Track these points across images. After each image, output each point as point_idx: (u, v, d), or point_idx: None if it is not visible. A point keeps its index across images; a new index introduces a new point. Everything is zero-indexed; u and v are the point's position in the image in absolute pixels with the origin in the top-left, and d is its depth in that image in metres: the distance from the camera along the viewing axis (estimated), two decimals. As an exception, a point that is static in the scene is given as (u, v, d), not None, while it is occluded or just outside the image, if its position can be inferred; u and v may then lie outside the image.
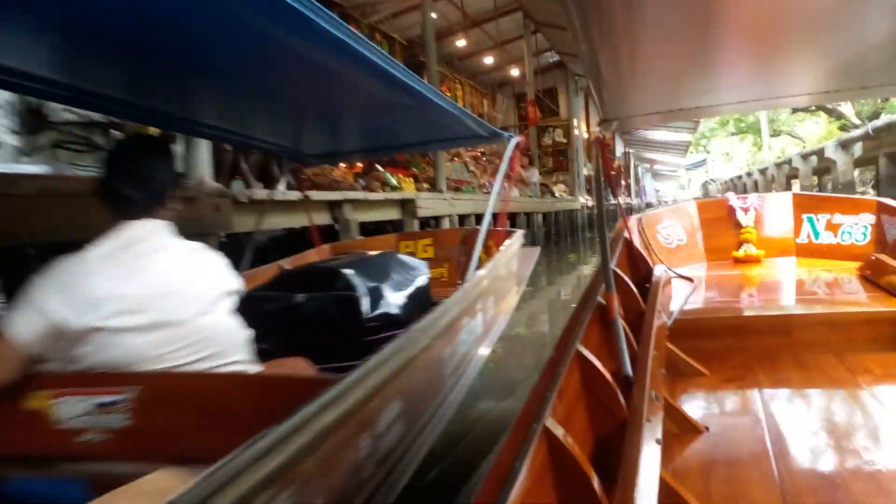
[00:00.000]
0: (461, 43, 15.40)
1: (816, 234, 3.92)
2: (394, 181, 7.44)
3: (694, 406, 2.00)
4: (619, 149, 31.71)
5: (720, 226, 4.12)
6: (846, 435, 1.70)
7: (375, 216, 6.92)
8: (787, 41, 1.47)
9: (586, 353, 1.73)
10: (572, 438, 1.32)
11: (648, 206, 44.85)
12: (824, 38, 1.45)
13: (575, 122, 21.04)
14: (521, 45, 16.75)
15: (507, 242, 3.73)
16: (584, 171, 21.69)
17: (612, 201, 27.16)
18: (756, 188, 22.63)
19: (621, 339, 1.96)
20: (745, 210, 4.06)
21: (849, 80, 1.77)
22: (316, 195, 5.77)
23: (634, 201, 36.73)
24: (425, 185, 8.93)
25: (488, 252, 3.59)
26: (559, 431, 1.29)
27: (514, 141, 3.44)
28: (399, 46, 14.42)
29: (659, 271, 3.08)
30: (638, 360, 1.90)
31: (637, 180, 42.91)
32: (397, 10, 13.37)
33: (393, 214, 7.40)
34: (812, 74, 1.79)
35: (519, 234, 4.18)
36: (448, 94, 16.15)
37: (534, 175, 14.65)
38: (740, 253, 3.90)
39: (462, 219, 9.46)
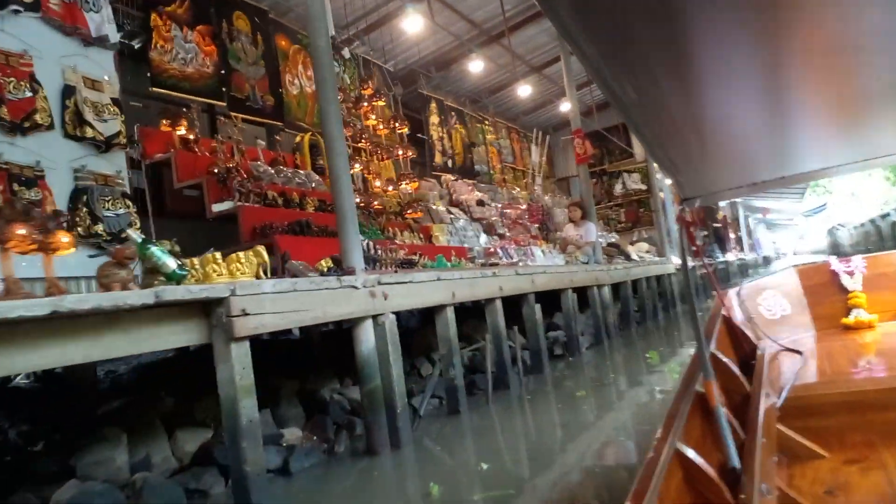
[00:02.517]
0: (476, 67, 11.41)
1: None
2: (170, 263, 3.29)
3: (814, 494, 1.88)
4: (723, 197, 26.58)
5: (824, 292, 3.82)
6: None
7: (48, 359, 2.74)
8: (879, 91, 1.33)
9: (687, 451, 1.64)
10: None
11: (766, 260, 39.84)
12: None
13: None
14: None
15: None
16: (676, 225, 16.84)
17: (722, 259, 22.33)
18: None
19: (725, 430, 1.87)
20: (850, 273, 3.77)
21: None
22: None
23: (749, 256, 31.48)
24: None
25: None
26: None
27: None
28: (380, 73, 10.52)
29: (764, 346, 3.03)
30: (745, 450, 1.85)
31: (749, 232, 37.78)
32: (369, 26, 9.61)
33: (180, 337, 3.25)
34: None
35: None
36: (461, 135, 12.38)
37: (590, 232, 10.12)
38: (850, 319, 3.58)
39: (414, 319, 5.18)
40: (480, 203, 9.03)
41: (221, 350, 3.36)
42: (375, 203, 6.20)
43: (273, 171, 6.14)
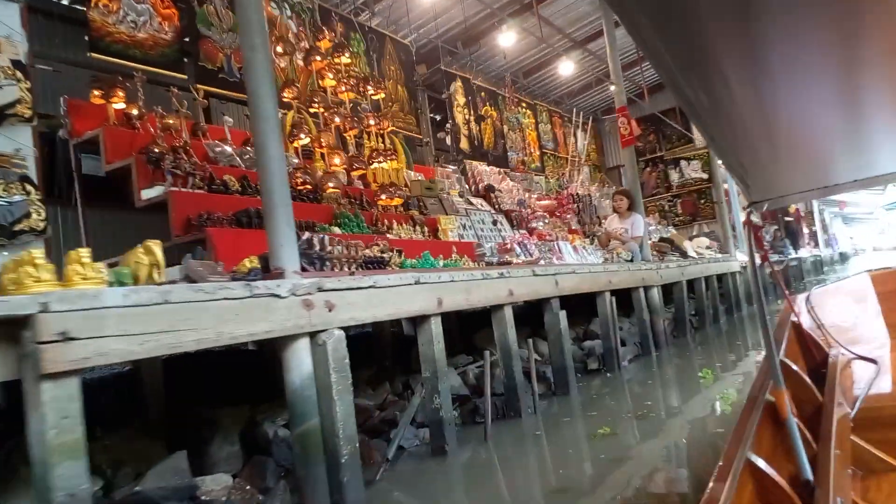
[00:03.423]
0: (507, 40, 10.13)
1: None
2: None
3: None
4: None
5: None
6: None
7: None
8: None
9: (758, 461, 1.62)
10: None
11: (843, 256, 37.48)
12: None
13: (719, 150, 14.73)
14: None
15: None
16: (742, 216, 15.10)
17: (795, 255, 20.32)
18: None
19: (797, 441, 1.83)
20: None
21: None
22: None
23: (824, 252, 29.16)
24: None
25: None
26: None
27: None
28: (395, 48, 9.35)
29: (835, 354, 2.92)
30: (819, 462, 1.82)
31: (824, 227, 35.29)
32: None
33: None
34: None
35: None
36: (492, 119, 10.93)
37: (637, 225, 8.73)
38: None
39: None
40: (490, 189, 7.74)
41: (31, 392, 2.28)
42: (330, 185, 5.01)
43: (233, 153, 5.09)
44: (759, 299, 2.08)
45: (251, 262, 3.43)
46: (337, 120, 5.34)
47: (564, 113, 14.40)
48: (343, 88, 5.45)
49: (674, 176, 15.12)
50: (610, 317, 7.06)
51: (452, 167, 8.69)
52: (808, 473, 1.74)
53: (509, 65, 11.77)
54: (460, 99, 10.37)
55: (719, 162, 14.69)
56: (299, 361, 3.31)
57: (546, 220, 9.22)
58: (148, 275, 3.15)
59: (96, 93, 4.81)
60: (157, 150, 4.46)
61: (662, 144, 15.19)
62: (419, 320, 4.33)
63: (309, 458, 3.29)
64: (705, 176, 14.91)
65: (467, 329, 7.01)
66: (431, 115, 10.24)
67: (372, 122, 5.44)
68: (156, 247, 3.20)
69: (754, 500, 1.57)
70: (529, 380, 5.50)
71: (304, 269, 3.56)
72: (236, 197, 4.82)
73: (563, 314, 6.00)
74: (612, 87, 11.69)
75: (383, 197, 5.28)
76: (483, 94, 10.97)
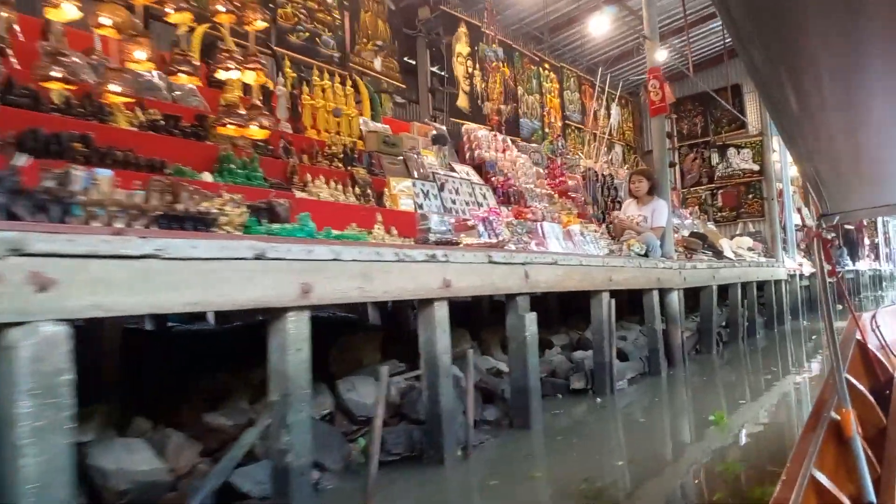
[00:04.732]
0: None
1: None
2: None
3: None
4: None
5: None
6: None
7: None
8: None
9: (822, 478, 1.60)
10: None
11: None
12: None
13: (775, 140, 12.80)
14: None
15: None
16: (796, 219, 13.10)
17: (852, 268, 18.22)
18: None
19: (861, 462, 1.78)
20: None
21: None
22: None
23: (885, 267, 26.75)
24: None
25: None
26: None
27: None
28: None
29: None
30: (882, 485, 1.76)
31: (887, 240, 32.64)
32: None
33: None
34: None
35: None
36: (502, 77, 9.12)
37: (659, 213, 7.05)
38: None
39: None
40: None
41: None
42: (111, 89, 3.33)
43: (81, 61, 3.63)
44: (827, 314, 1.96)
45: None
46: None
47: (596, 83, 12.67)
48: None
49: (718, 164, 13.23)
50: (606, 324, 5.49)
51: (437, 126, 7.15)
52: (872, 496, 1.66)
53: (532, 15, 10.05)
54: (462, 48, 8.74)
55: (774, 157, 12.81)
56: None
57: (554, 200, 7.66)
58: None
59: None
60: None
61: (711, 127, 13.30)
62: (271, 315, 2.86)
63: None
64: (756, 167, 12.95)
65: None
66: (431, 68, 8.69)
67: (221, 6, 3.68)
68: None
69: None
70: (491, 401, 4.03)
71: (14, 219, 2.12)
72: (56, 117, 3.40)
73: (531, 317, 4.47)
74: (663, 55, 9.86)
75: (228, 125, 3.63)
76: (494, 45, 9.31)
